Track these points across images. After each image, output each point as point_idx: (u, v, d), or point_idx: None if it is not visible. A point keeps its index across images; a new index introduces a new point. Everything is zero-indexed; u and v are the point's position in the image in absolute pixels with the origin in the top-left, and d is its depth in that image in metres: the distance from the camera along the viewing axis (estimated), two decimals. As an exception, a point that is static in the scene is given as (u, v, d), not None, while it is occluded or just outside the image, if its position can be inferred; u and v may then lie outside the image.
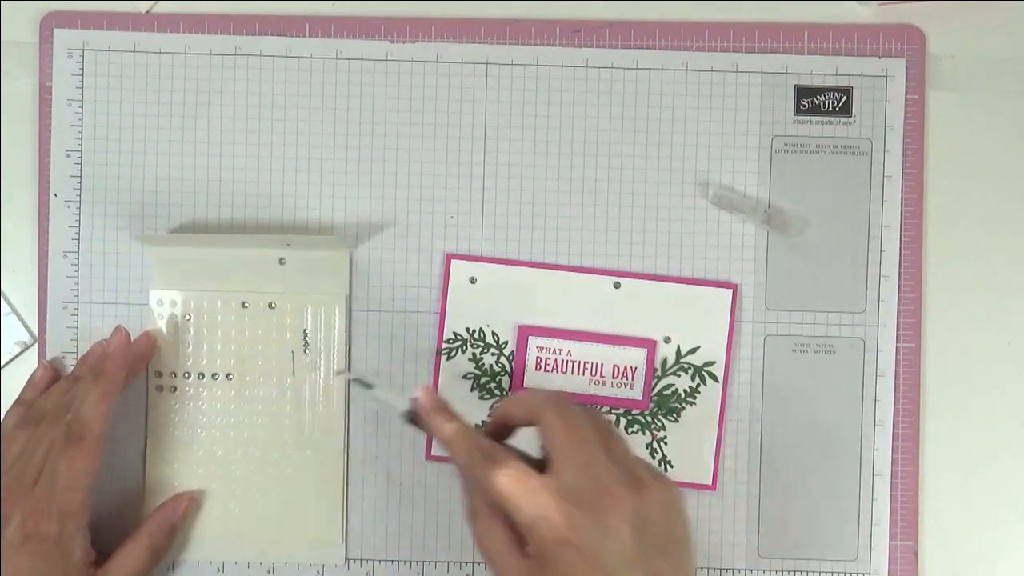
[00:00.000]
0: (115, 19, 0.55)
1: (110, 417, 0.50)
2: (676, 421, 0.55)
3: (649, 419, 0.55)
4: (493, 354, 0.55)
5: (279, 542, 0.55)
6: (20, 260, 0.56)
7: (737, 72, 0.56)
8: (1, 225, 0.56)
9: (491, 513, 0.44)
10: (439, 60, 0.56)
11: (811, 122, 0.56)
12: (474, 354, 0.55)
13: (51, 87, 0.55)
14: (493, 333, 0.55)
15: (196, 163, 0.55)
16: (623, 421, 0.55)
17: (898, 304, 0.56)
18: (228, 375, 0.55)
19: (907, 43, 0.56)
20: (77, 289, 0.55)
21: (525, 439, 0.47)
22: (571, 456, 0.42)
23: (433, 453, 0.55)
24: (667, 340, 0.55)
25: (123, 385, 0.52)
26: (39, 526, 0.48)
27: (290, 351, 0.55)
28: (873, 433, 0.55)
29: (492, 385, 0.55)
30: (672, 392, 0.55)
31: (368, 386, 0.51)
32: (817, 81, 0.56)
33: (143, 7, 0.56)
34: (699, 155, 0.56)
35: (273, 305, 0.55)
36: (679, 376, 0.55)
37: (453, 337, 0.55)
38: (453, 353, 0.55)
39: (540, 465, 0.44)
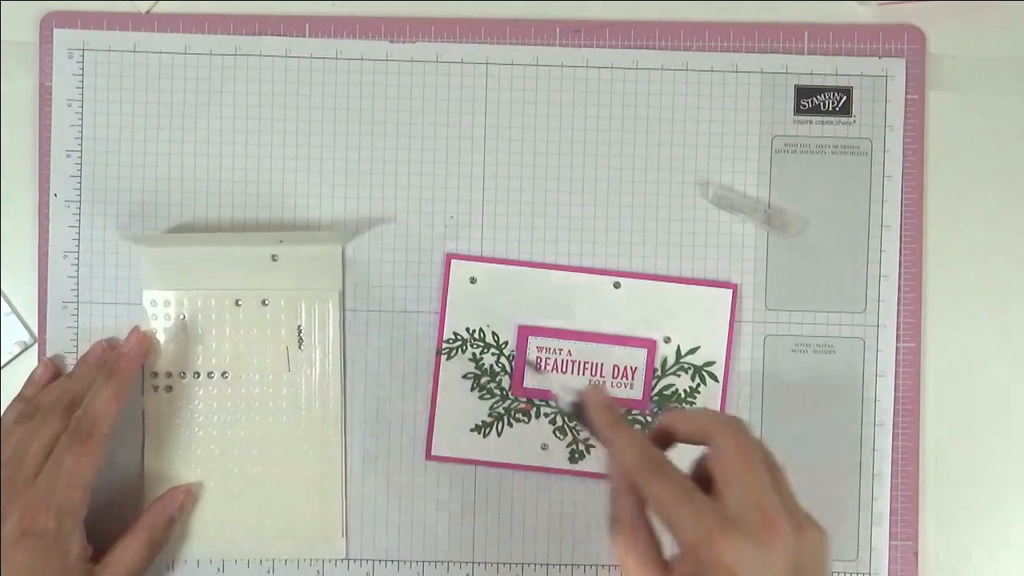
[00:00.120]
0: (115, 19, 0.55)
1: (118, 417, 0.50)
2: (676, 421, 0.55)
3: (649, 419, 0.55)
4: (493, 354, 0.55)
5: (280, 539, 0.55)
6: (20, 260, 0.56)
7: (737, 72, 0.56)
8: (1, 225, 0.56)
9: (637, 524, 0.42)
10: (439, 60, 0.56)
11: (811, 122, 0.56)
12: (474, 354, 0.55)
13: (51, 87, 0.55)
14: (493, 333, 0.55)
15: (196, 163, 0.55)
16: (623, 421, 0.55)
17: (898, 304, 0.56)
18: (223, 373, 0.55)
19: (907, 43, 0.56)
20: (77, 289, 0.55)
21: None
22: (742, 483, 0.41)
23: (433, 453, 0.55)
24: (667, 340, 0.55)
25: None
26: (37, 522, 0.47)
27: (285, 347, 0.55)
28: (873, 433, 0.55)
29: (492, 385, 0.55)
30: (672, 392, 0.55)
31: (539, 371, 0.54)
32: (817, 81, 0.56)
33: (143, 7, 0.56)
34: (699, 155, 0.56)
35: (266, 302, 0.55)
36: (679, 376, 0.55)
37: (453, 337, 0.55)
38: (453, 353, 0.55)
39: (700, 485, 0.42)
